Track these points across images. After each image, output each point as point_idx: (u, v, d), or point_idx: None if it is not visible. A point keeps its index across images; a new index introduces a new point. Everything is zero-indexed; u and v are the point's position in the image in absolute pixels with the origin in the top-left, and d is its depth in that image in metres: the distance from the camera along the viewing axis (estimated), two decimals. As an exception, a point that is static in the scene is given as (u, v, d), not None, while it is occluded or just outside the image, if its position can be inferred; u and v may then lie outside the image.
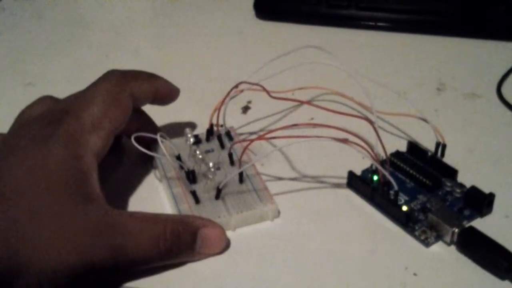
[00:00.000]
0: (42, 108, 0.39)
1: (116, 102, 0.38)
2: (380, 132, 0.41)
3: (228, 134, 0.44)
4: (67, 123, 0.36)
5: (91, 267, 0.33)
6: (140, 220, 0.35)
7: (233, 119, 0.47)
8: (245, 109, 0.49)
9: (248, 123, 0.48)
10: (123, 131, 0.40)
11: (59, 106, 0.38)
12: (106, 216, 0.34)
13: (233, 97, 0.42)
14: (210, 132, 0.44)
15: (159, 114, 0.45)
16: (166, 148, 0.39)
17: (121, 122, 0.39)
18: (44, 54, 0.57)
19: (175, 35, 0.60)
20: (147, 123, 0.44)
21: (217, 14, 0.63)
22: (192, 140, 0.42)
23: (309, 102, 0.46)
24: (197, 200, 0.39)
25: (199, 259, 0.37)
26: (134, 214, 0.36)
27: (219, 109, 0.42)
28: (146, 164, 0.43)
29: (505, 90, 0.51)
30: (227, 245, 0.37)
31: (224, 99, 0.42)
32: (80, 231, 0.33)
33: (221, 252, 0.37)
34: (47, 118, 0.37)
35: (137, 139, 0.38)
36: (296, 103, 0.48)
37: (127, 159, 0.44)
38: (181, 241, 0.36)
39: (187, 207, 0.39)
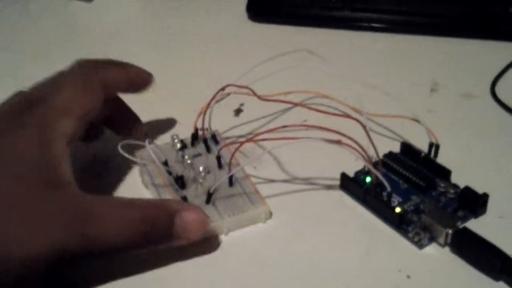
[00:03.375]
0: (14, 100, 0.38)
1: (86, 89, 0.38)
2: (373, 133, 0.41)
3: (213, 137, 0.44)
4: (37, 110, 0.36)
5: (62, 255, 0.32)
6: (114, 205, 0.35)
7: (225, 122, 0.47)
8: (238, 111, 0.49)
9: (240, 126, 0.47)
10: (100, 120, 0.40)
11: (29, 96, 0.38)
12: (78, 202, 0.34)
13: (219, 100, 0.42)
14: (195, 136, 0.44)
15: (146, 118, 0.44)
16: (153, 154, 0.38)
17: (91, 108, 0.38)
18: (36, 61, 0.57)
19: (167, 39, 0.60)
20: (124, 111, 0.44)
21: (209, 17, 0.63)
22: (179, 145, 0.41)
23: (301, 104, 0.46)
24: (187, 205, 0.39)
25: (180, 244, 0.36)
26: (108, 199, 0.35)
27: (205, 113, 0.42)
28: (131, 171, 0.43)
29: (499, 90, 0.51)
30: (218, 246, 0.37)
31: (209, 102, 0.42)
32: (51, 219, 0.32)
33: (203, 236, 0.36)
34: (17, 107, 0.37)
35: (113, 127, 0.37)
36: (288, 106, 0.47)
37: (111, 165, 0.43)
38: (158, 226, 0.35)
39: (178, 213, 0.38)
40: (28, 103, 0.37)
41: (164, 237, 0.35)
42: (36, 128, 0.35)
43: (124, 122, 0.43)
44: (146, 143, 0.38)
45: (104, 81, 0.39)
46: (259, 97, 0.41)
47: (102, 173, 0.43)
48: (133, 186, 0.42)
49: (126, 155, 0.37)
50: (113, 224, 0.34)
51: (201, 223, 0.36)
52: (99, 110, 0.39)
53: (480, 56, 0.55)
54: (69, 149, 0.36)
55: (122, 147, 0.38)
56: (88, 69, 0.39)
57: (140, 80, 0.42)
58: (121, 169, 0.43)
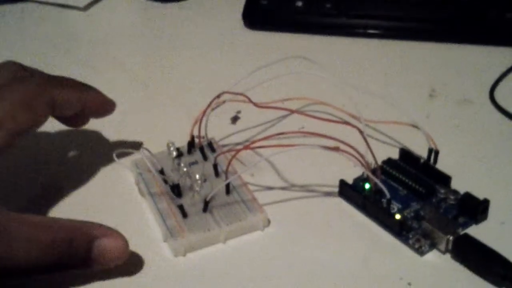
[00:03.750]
0: None
1: (27, 106, 0.36)
2: (372, 140, 0.40)
3: (210, 145, 0.44)
4: None
5: None
6: (29, 225, 0.33)
7: (222, 130, 0.46)
8: (235, 119, 0.48)
9: (237, 133, 0.47)
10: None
11: None
12: None
13: (215, 107, 0.42)
14: (191, 144, 0.43)
15: (142, 126, 0.44)
16: (149, 162, 0.38)
17: (28, 126, 0.37)
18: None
19: (162, 46, 0.59)
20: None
21: (205, 24, 0.62)
22: (175, 153, 0.41)
23: (298, 111, 0.45)
24: (184, 215, 0.38)
25: (97, 270, 0.35)
26: (25, 219, 0.33)
27: (201, 121, 0.42)
28: (127, 179, 0.42)
29: (498, 95, 0.50)
30: (216, 254, 0.36)
31: (205, 110, 0.41)
32: None
33: (122, 264, 0.35)
34: None
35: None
36: (285, 113, 0.47)
37: (107, 174, 0.43)
38: (73, 251, 0.33)
39: (175, 222, 0.38)
40: None
41: (80, 262, 0.34)
42: None
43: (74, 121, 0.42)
44: (141, 151, 0.38)
45: (54, 101, 0.38)
46: (255, 104, 0.41)
47: (101, 182, 0.42)
48: (130, 195, 0.42)
49: (121, 163, 0.37)
50: (24, 246, 0.32)
51: (120, 251, 0.35)
52: (40, 125, 0.37)
53: (478, 61, 0.55)
54: None
55: (118, 155, 0.37)
56: (39, 84, 0.38)
57: (98, 105, 0.40)
58: (118, 178, 0.42)
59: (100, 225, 0.35)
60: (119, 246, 0.35)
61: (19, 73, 0.38)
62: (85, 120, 0.42)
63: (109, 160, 0.37)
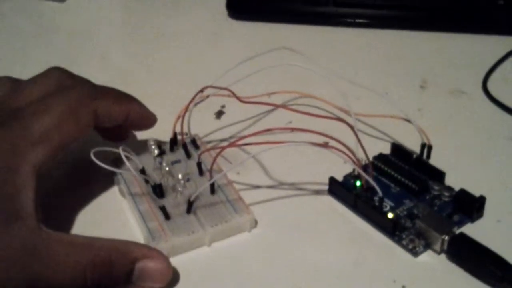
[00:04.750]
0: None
1: (74, 117, 0.36)
2: (362, 134, 0.39)
3: (193, 142, 0.42)
4: (12, 129, 0.34)
5: None
6: (68, 245, 0.32)
7: (205, 125, 0.45)
8: (219, 114, 0.47)
9: (222, 129, 0.45)
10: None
11: (13, 103, 0.36)
12: (30, 238, 0.31)
13: (198, 102, 0.40)
14: (174, 141, 0.41)
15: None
16: (129, 162, 0.36)
17: (74, 138, 0.36)
18: (7, 60, 0.55)
19: (144, 38, 0.58)
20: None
21: (188, 15, 0.60)
22: (156, 151, 0.39)
23: (285, 106, 0.44)
24: (167, 216, 0.36)
25: None
26: (64, 238, 0.33)
27: (183, 116, 0.40)
28: (108, 180, 0.40)
29: (491, 86, 0.49)
30: (201, 258, 0.35)
31: (188, 105, 0.40)
32: None
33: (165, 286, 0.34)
34: None
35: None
36: (272, 107, 0.45)
37: (87, 174, 0.41)
38: (114, 273, 0.33)
39: (157, 224, 0.36)
40: (8, 117, 0.34)
41: (120, 284, 0.33)
42: (5, 152, 0.33)
43: (116, 134, 0.41)
44: (120, 149, 0.36)
45: (98, 113, 0.37)
46: (239, 99, 0.39)
47: (79, 182, 0.41)
48: (110, 196, 0.40)
49: (99, 162, 0.35)
50: (62, 267, 0.32)
51: (162, 274, 0.34)
52: (84, 137, 0.37)
53: (470, 50, 0.54)
54: (34, 178, 0.33)
55: (95, 154, 0.35)
56: (84, 95, 0.37)
57: (139, 118, 0.39)
58: (96, 178, 0.40)
59: (141, 245, 0.34)
60: (161, 268, 0.34)
61: (64, 81, 0.37)
62: (126, 133, 0.41)
63: (87, 159, 0.35)
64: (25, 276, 0.31)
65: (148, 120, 0.40)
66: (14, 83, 0.38)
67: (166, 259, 0.34)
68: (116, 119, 0.38)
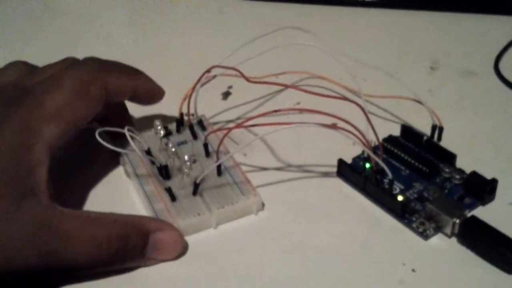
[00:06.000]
0: (13, 76, 0.36)
1: (85, 93, 0.35)
2: (371, 116, 0.38)
3: (200, 123, 0.41)
4: (25, 107, 0.34)
5: (19, 272, 0.31)
6: (83, 221, 0.33)
7: (212, 106, 0.44)
8: (226, 95, 0.46)
9: (229, 110, 0.45)
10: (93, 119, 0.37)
11: (26, 82, 0.36)
12: (44, 215, 0.31)
13: (205, 83, 0.39)
14: (180, 122, 0.41)
15: (127, 104, 0.41)
16: (135, 142, 0.35)
17: (87, 115, 0.36)
18: (12, 40, 0.54)
19: (149, 18, 0.57)
20: (121, 113, 0.41)
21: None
22: (162, 132, 0.39)
23: (294, 86, 0.43)
24: (173, 198, 0.36)
25: (151, 265, 0.34)
26: (78, 215, 0.33)
27: (190, 97, 0.39)
28: (113, 160, 0.40)
29: (503, 66, 0.48)
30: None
31: (195, 85, 0.39)
32: (11, 234, 0.31)
33: (176, 258, 0.34)
34: (8, 94, 0.35)
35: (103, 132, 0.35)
36: (280, 88, 0.44)
37: (91, 155, 0.40)
38: (129, 246, 0.33)
39: (163, 206, 0.36)
40: (21, 95, 0.34)
41: (135, 257, 0.33)
42: (20, 129, 0.33)
43: (116, 123, 0.40)
44: (125, 130, 0.35)
45: (108, 87, 0.36)
46: (247, 79, 0.38)
47: (81, 164, 0.40)
48: (116, 176, 0.39)
49: (104, 143, 0.34)
50: (78, 243, 0.32)
51: (175, 245, 0.34)
52: (96, 113, 0.36)
53: (481, 31, 0.53)
54: (48, 155, 0.33)
55: (100, 135, 0.35)
56: (93, 70, 0.36)
57: (147, 91, 0.39)
58: (103, 158, 0.40)
59: (154, 219, 0.35)
60: (173, 240, 0.34)
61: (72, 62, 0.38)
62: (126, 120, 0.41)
63: (92, 140, 0.35)
64: (40, 253, 0.31)
65: (156, 93, 0.39)
66: (28, 67, 0.38)
67: (178, 231, 0.34)
68: (125, 93, 0.38)
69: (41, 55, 0.51)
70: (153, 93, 0.39)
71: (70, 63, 0.37)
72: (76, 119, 0.35)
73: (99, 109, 0.36)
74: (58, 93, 0.35)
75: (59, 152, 0.35)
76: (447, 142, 0.39)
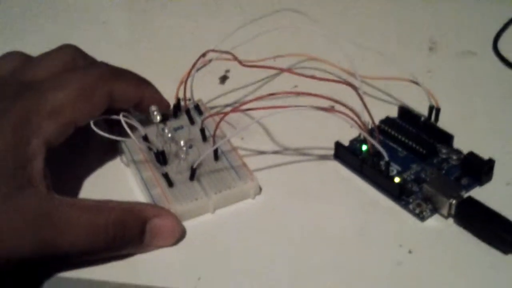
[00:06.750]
0: (11, 66, 0.36)
1: (89, 96, 0.36)
2: (369, 98, 0.38)
3: (197, 108, 0.41)
4: (25, 100, 0.34)
5: (16, 261, 0.31)
6: (80, 209, 0.33)
7: (209, 91, 0.44)
8: (223, 79, 0.46)
9: (226, 94, 0.44)
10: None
11: (26, 75, 0.36)
12: (42, 204, 0.32)
13: (201, 67, 0.39)
14: (177, 107, 0.41)
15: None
16: (131, 129, 0.35)
17: (86, 116, 0.36)
18: (7, 31, 0.54)
19: (144, 3, 0.56)
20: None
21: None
22: (158, 117, 0.39)
23: (290, 70, 0.42)
24: (170, 183, 0.36)
25: (149, 251, 0.34)
26: (75, 203, 0.33)
27: (186, 81, 0.39)
28: (110, 148, 0.40)
29: (502, 46, 0.48)
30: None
31: (190, 70, 0.39)
32: (9, 222, 0.31)
33: (174, 243, 0.34)
34: (8, 86, 0.35)
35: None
36: (276, 71, 0.44)
37: (89, 144, 0.40)
38: (127, 233, 0.33)
39: (160, 192, 0.36)
40: (23, 89, 0.34)
41: (133, 243, 0.34)
42: (18, 123, 0.33)
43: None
44: (121, 116, 0.35)
45: (113, 94, 0.37)
46: (241, 63, 0.38)
47: (78, 152, 0.40)
48: (113, 163, 0.39)
49: (100, 131, 0.34)
50: (76, 230, 0.32)
51: (173, 231, 0.34)
52: (96, 117, 0.36)
53: (480, 10, 0.52)
54: (45, 148, 0.34)
55: (97, 123, 0.35)
56: (99, 76, 0.36)
57: (154, 103, 0.39)
58: (100, 145, 0.40)
59: (152, 205, 0.35)
60: (171, 225, 0.34)
61: (79, 60, 0.38)
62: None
63: (89, 128, 0.35)
64: (39, 241, 0.31)
65: (161, 105, 0.39)
66: (26, 57, 0.38)
67: (175, 217, 0.34)
68: (129, 102, 0.38)
69: (39, 44, 0.51)
70: (158, 105, 0.39)
71: (76, 62, 0.37)
72: (75, 120, 0.35)
73: (100, 113, 0.36)
74: (61, 92, 0.35)
75: (56, 146, 0.35)
76: (444, 123, 0.39)
